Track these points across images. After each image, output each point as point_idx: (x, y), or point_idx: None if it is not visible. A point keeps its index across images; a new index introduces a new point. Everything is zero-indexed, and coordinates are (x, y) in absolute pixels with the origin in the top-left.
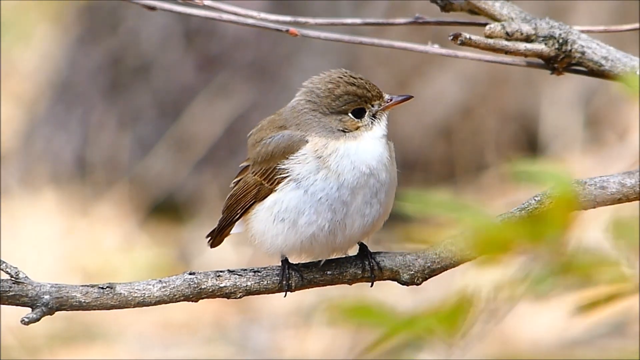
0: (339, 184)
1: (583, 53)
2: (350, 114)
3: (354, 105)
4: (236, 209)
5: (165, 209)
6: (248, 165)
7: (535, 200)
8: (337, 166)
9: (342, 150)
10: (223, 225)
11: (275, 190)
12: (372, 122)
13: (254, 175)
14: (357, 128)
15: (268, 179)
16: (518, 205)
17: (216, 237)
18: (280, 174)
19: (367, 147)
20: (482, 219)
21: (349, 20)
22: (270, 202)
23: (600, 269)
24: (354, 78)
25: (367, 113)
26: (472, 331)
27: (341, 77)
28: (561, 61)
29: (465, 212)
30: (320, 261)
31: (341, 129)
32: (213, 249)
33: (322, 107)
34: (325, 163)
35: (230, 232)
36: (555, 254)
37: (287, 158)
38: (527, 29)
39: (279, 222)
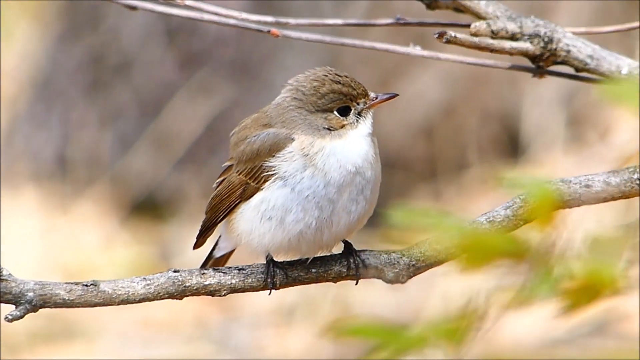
0: (326, 181)
1: (568, 51)
2: (335, 112)
3: (340, 103)
4: (221, 209)
5: (146, 207)
6: (231, 165)
7: (520, 198)
8: (323, 164)
9: (329, 148)
10: (207, 226)
11: (262, 189)
12: (357, 120)
13: (239, 175)
14: (343, 126)
15: (254, 177)
16: (503, 204)
17: (199, 239)
18: (267, 172)
19: (353, 145)
20: (467, 229)
21: (330, 21)
22: (257, 201)
23: (589, 275)
24: (339, 76)
25: (352, 111)
26: (469, 340)
27: (326, 75)
28: (546, 59)
29: (449, 222)
30: (306, 259)
31: (327, 127)
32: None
33: (308, 104)
34: (312, 161)
35: (214, 255)
36: (543, 263)
37: (274, 156)
38: (512, 27)
39: (266, 220)
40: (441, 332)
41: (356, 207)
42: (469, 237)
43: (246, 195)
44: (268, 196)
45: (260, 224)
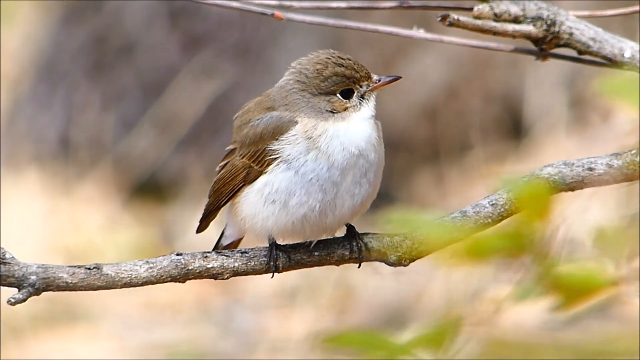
0: (329, 164)
1: (571, 34)
2: (338, 95)
3: (343, 86)
4: (224, 193)
5: (148, 189)
6: (234, 149)
7: (505, 193)
8: (327, 147)
9: (332, 131)
10: (210, 210)
11: (265, 172)
12: (360, 103)
13: (242, 158)
14: (346, 109)
15: (257, 161)
16: (488, 198)
17: (202, 222)
18: (270, 156)
19: (356, 128)
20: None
21: (334, 4)
22: (261, 184)
23: (582, 277)
24: (342, 59)
25: (355, 94)
26: (460, 338)
27: (329, 58)
28: (549, 42)
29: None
30: (310, 242)
31: (330, 109)
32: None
33: (311, 87)
34: (315, 144)
35: (222, 244)
36: (538, 263)
37: (277, 139)
38: (515, 10)
39: (269, 204)
40: (428, 340)
41: (360, 190)
42: (465, 234)
43: (250, 178)
44: (272, 179)
45: (264, 207)
